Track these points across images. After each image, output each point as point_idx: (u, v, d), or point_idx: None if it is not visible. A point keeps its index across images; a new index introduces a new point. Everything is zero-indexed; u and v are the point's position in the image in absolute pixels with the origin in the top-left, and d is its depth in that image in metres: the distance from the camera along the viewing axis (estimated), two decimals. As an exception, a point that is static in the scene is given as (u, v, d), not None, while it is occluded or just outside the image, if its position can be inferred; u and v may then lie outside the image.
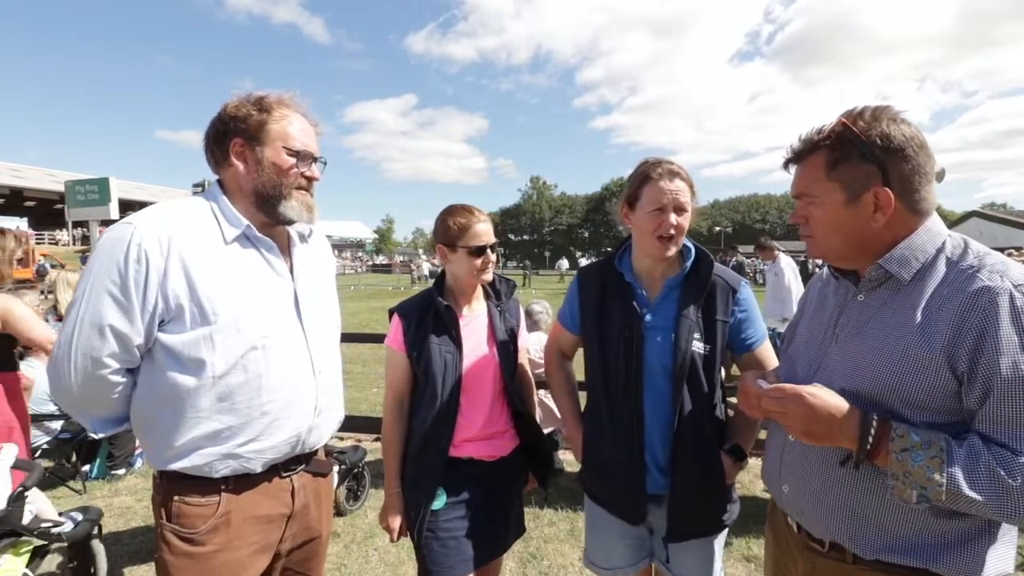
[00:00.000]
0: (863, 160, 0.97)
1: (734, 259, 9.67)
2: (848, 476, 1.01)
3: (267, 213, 1.28)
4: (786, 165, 1.11)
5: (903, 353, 0.94)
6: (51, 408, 3.52)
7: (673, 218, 1.40)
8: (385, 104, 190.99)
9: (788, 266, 6.04)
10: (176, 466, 1.19)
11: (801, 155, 1.07)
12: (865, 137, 0.96)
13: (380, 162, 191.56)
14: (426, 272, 32.60)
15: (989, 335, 0.86)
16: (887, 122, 0.96)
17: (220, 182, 1.30)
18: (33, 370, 3.58)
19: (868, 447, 0.92)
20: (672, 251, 1.44)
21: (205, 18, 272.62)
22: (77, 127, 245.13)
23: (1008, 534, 0.98)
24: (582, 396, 1.74)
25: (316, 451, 1.41)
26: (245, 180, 1.26)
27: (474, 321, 1.67)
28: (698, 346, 1.42)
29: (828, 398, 0.96)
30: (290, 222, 1.31)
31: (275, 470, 1.30)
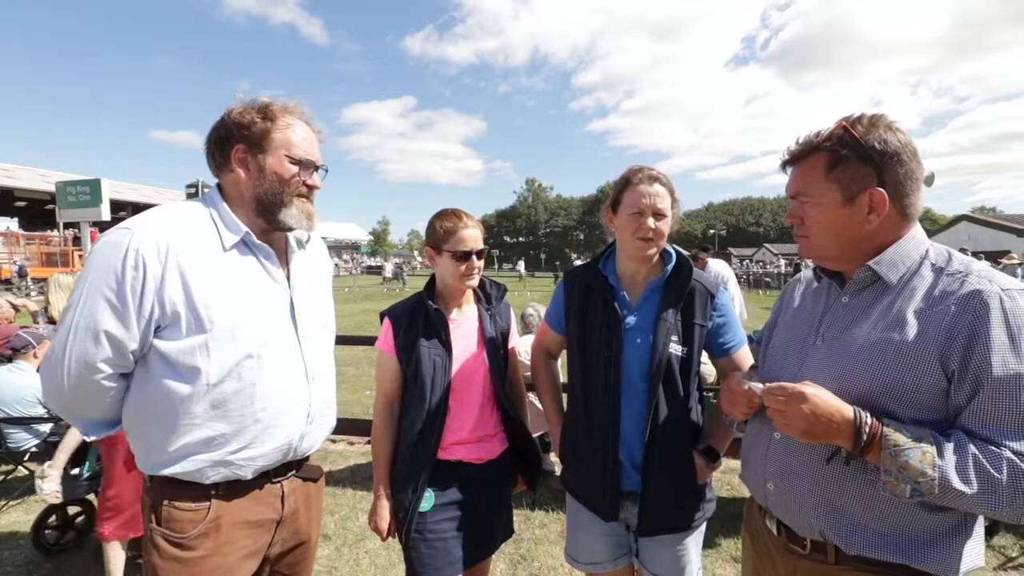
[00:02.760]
0: (861, 162, 1.01)
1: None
2: (834, 472, 1.04)
3: (267, 220, 1.28)
4: (784, 166, 1.15)
5: (895, 351, 0.98)
6: (40, 411, 3.49)
7: (651, 221, 1.45)
8: (383, 105, 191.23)
9: (724, 270, 6.79)
10: (167, 471, 1.18)
11: (799, 156, 1.10)
12: (864, 141, 1.00)
13: (377, 163, 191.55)
14: (388, 273, 33.38)
15: (980, 335, 0.90)
16: (884, 128, 1.01)
17: (220, 187, 1.30)
18: (22, 372, 3.56)
19: (863, 444, 0.95)
20: (652, 251, 1.49)
21: (203, 18, 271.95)
22: (71, 128, 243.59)
23: (979, 529, 1.02)
24: (567, 399, 1.76)
25: (307, 457, 1.42)
26: (246, 187, 1.26)
27: (464, 324, 1.68)
28: (675, 348, 1.45)
29: (828, 397, 0.98)
30: (290, 229, 1.32)
31: (266, 476, 1.30)
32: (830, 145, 1.04)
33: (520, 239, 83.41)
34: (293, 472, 1.37)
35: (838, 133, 1.03)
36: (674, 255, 1.54)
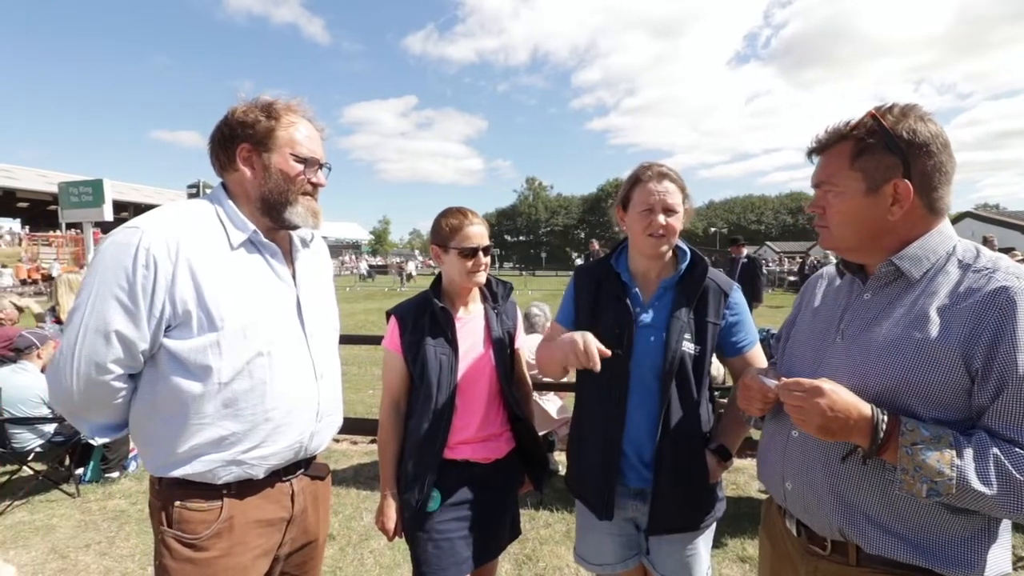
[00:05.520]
0: (887, 152, 0.98)
1: (743, 255, 8.58)
2: (852, 471, 1.02)
3: (273, 218, 1.28)
4: (810, 155, 1.12)
5: (917, 349, 0.95)
6: (44, 411, 3.50)
7: (662, 218, 1.44)
8: (384, 105, 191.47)
9: None
10: (178, 472, 1.17)
11: (826, 145, 1.08)
12: (892, 130, 0.98)
13: (377, 163, 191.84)
14: (363, 272, 33.61)
15: (1006, 332, 0.88)
16: (915, 118, 0.98)
17: (224, 186, 1.30)
18: (25, 372, 3.56)
19: (879, 442, 0.93)
20: (664, 248, 1.47)
21: (204, 18, 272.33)
22: (71, 128, 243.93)
23: (1005, 534, 1.00)
24: (569, 397, 1.75)
25: (315, 456, 1.41)
26: (252, 185, 1.25)
27: (470, 323, 1.67)
28: (688, 347, 1.44)
29: (845, 394, 0.96)
30: (295, 227, 1.32)
31: (276, 475, 1.30)
32: (857, 134, 1.01)
33: (521, 238, 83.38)
34: (302, 470, 1.37)
35: (867, 122, 1.01)
36: (688, 253, 1.53)
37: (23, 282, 20.12)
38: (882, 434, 0.93)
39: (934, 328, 0.95)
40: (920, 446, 0.90)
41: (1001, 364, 0.88)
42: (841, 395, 0.96)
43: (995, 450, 0.88)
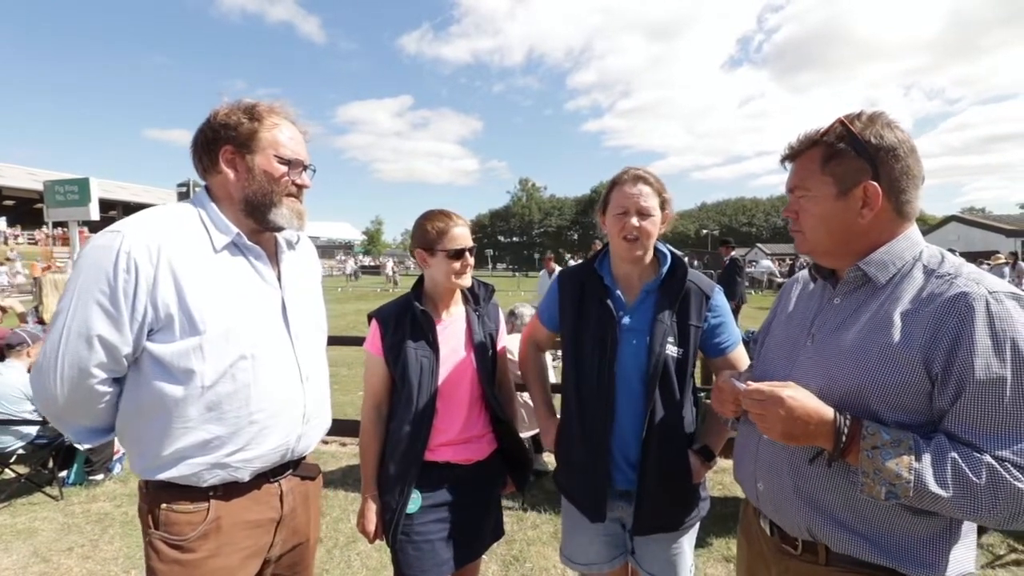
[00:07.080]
0: (856, 156, 1.02)
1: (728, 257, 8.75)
2: (819, 473, 1.04)
3: (257, 220, 1.28)
4: (783, 161, 1.16)
5: (880, 353, 0.97)
6: (27, 406, 3.45)
7: (635, 221, 1.45)
8: (380, 104, 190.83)
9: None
10: (163, 475, 1.17)
11: (798, 151, 1.12)
12: (860, 135, 1.01)
13: (372, 163, 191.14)
14: (349, 271, 34.06)
15: (965, 337, 0.90)
16: (882, 125, 1.02)
17: (208, 188, 1.29)
18: (9, 369, 3.52)
19: (842, 446, 0.95)
20: (638, 253, 1.48)
21: (198, 16, 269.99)
22: (62, 126, 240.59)
23: (969, 535, 1.02)
24: (556, 399, 1.76)
25: (304, 456, 1.41)
26: (235, 188, 1.25)
27: (452, 326, 1.67)
28: (671, 350, 1.46)
29: (805, 400, 0.98)
30: (280, 229, 1.32)
31: (263, 476, 1.30)
32: (827, 139, 1.05)
33: (514, 239, 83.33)
34: (290, 471, 1.37)
35: (836, 128, 1.04)
36: (669, 257, 1.54)
37: (36, 280, 19.88)
38: (844, 438, 0.95)
39: (897, 333, 0.97)
40: (880, 450, 0.92)
41: (960, 368, 0.90)
42: (801, 402, 0.98)
43: (953, 454, 0.89)
